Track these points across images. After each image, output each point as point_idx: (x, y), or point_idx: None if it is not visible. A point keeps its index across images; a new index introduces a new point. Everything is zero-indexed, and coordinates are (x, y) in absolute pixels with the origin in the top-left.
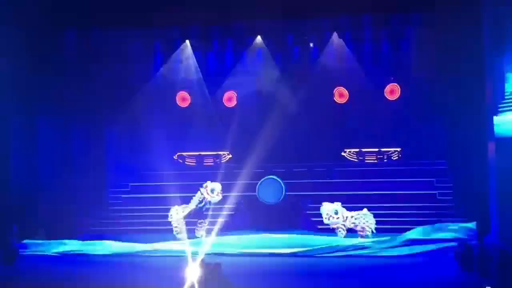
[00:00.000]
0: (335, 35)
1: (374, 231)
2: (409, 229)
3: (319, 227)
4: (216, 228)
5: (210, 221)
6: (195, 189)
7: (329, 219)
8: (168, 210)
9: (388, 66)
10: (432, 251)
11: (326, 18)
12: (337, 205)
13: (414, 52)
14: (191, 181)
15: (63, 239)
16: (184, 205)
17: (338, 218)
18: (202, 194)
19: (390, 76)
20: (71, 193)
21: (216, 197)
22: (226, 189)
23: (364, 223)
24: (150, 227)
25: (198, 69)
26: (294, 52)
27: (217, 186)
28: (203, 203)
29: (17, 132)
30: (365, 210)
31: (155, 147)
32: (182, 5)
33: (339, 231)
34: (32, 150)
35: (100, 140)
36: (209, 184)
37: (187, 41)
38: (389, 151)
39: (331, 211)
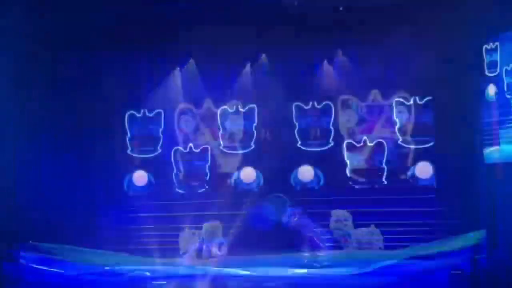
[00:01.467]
0: (339, 52)
1: (382, 247)
2: (415, 246)
3: (327, 244)
4: (223, 249)
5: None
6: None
7: (336, 222)
8: (174, 229)
9: (391, 83)
10: (438, 268)
11: (330, 34)
12: (349, 215)
13: (417, 68)
14: (197, 200)
15: (67, 258)
16: (194, 230)
17: (346, 225)
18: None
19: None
20: (75, 212)
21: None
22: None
23: (370, 240)
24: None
25: (202, 85)
26: (299, 68)
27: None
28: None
29: (20, 151)
30: (372, 227)
31: (160, 165)
32: (186, 24)
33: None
34: (36, 168)
35: (104, 158)
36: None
37: (191, 60)
38: None
39: (341, 216)
